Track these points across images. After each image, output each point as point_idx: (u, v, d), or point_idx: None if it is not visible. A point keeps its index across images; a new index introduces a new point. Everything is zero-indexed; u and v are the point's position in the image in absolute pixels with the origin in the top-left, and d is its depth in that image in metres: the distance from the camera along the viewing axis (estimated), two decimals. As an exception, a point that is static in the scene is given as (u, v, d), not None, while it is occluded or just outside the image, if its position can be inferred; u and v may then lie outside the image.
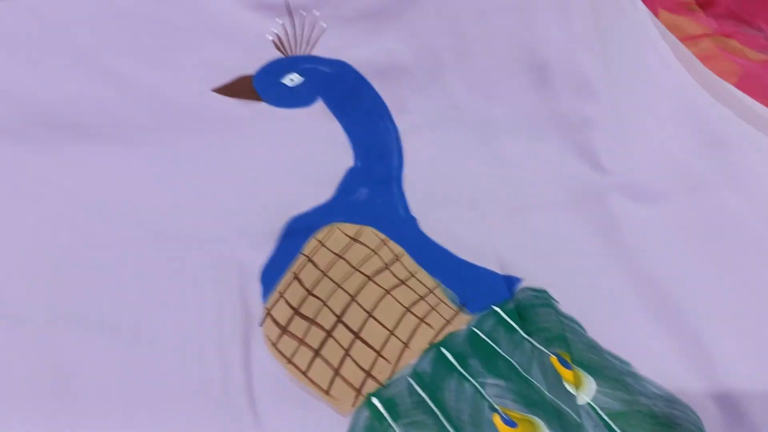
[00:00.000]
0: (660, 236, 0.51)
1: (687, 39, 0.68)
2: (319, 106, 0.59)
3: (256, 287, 0.47)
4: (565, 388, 0.41)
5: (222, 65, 0.58)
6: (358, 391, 0.41)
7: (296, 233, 0.50)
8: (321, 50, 0.60)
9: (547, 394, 0.41)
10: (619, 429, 0.39)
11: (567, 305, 0.45)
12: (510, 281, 0.47)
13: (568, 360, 0.42)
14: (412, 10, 0.61)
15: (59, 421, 0.40)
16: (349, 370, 0.42)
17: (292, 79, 0.59)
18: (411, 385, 0.41)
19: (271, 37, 0.60)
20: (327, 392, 0.41)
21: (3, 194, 0.50)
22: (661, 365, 0.42)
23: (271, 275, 0.48)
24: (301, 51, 0.61)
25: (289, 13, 0.60)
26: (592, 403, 0.41)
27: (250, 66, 0.59)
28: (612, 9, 0.62)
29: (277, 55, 0.60)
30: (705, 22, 0.70)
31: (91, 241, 0.48)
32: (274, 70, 0.60)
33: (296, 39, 0.61)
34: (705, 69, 0.62)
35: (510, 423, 0.40)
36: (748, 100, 0.59)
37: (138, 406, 0.41)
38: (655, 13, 0.69)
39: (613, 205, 0.52)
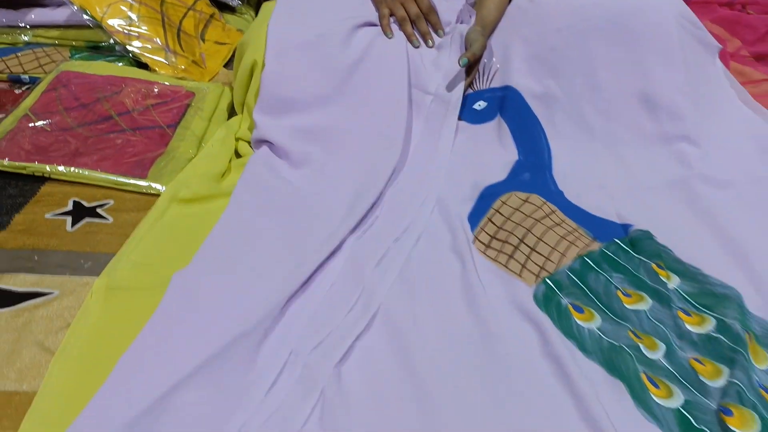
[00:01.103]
0: (726, 208, 0.78)
1: (750, 82, 0.97)
2: (497, 121, 0.92)
3: (467, 225, 0.78)
4: (660, 279, 0.69)
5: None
6: (537, 276, 0.71)
7: (487, 196, 0.82)
8: (494, 82, 0.93)
9: (649, 282, 0.69)
10: (692, 300, 0.67)
11: (663, 239, 0.74)
12: (626, 226, 0.77)
13: (663, 265, 0.71)
14: (557, 63, 0.92)
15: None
16: (531, 266, 0.72)
17: (480, 105, 0.93)
18: (568, 275, 0.71)
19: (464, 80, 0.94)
20: (519, 275, 0.71)
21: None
22: (721, 272, 0.70)
23: (474, 219, 0.79)
24: (483, 86, 0.94)
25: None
26: (677, 288, 0.69)
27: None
28: (699, 63, 0.92)
29: (468, 90, 0.94)
30: (764, 70, 0.98)
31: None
32: (467, 100, 0.94)
33: (480, 78, 0.94)
34: (760, 106, 0.90)
35: (626, 295, 0.69)
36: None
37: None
38: (728, 63, 0.98)
39: (696, 188, 0.81)
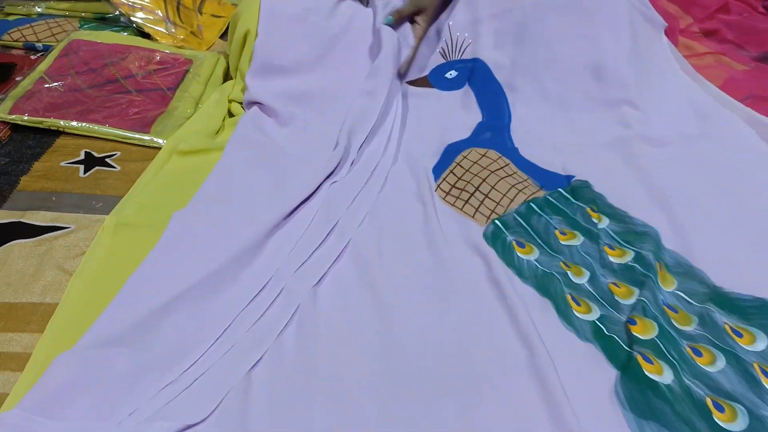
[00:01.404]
0: (658, 163, 0.89)
1: (695, 55, 1.07)
2: (465, 89, 1.02)
3: (431, 176, 0.89)
4: (592, 221, 0.80)
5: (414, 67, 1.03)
6: (488, 217, 0.82)
7: (450, 152, 0.93)
8: (466, 54, 1.04)
9: (583, 223, 0.80)
10: (617, 237, 0.78)
11: (599, 188, 0.85)
12: (569, 177, 0.87)
13: (596, 209, 0.82)
14: (520, 37, 1.02)
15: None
16: (483, 209, 0.83)
17: (451, 74, 1.03)
18: (515, 217, 0.82)
19: (439, 51, 1.04)
20: (473, 217, 0.82)
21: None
22: (645, 215, 0.81)
23: (438, 171, 0.90)
24: (455, 57, 1.04)
25: (450, 34, 1.04)
26: (606, 228, 0.80)
27: (428, 68, 1.04)
28: (645, 37, 1.02)
29: (441, 60, 1.05)
30: (708, 44, 1.09)
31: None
32: (440, 70, 1.04)
33: (452, 50, 1.05)
34: (700, 76, 1.00)
35: (562, 233, 0.80)
36: (722, 94, 0.97)
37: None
38: (677, 38, 1.08)
39: (634, 146, 0.91)
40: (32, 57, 1.11)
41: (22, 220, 0.80)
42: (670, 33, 1.09)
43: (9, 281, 0.72)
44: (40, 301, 0.71)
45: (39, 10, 1.19)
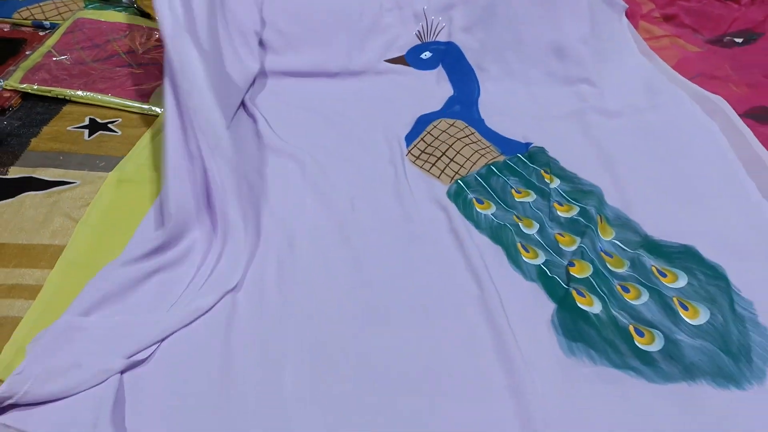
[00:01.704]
0: (614, 133, 0.98)
1: (653, 38, 1.16)
2: (439, 69, 1.12)
3: (403, 143, 0.99)
4: (545, 181, 0.89)
5: (392, 47, 1.12)
6: (452, 178, 0.91)
7: (422, 122, 1.02)
8: (440, 37, 1.13)
9: (537, 183, 0.90)
10: (566, 195, 0.88)
11: (554, 153, 0.94)
12: (527, 144, 0.97)
13: (549, 171, 0.91)
14: (489, 21, 1.12)
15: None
16: (448, 171, 0.92)
17: (426, 55, 1.12)
18: (476, 177, 0.91)
19: (415, 33, 1.13)
20: (438, 177, 0.92)
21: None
22: (592, 176, 0.90)
23: (409, 139, 0.99)
24: (430, 39, 1.14)
25: (425, 18, 1.13)
26: (557, 188, 0.89)
27: (405, 49, 1.13)
28: (604, 20, 1.11)
29: (417, 42, 1.14)
30: (666, 28, 1.18)
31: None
32: (416, 50, 1.13)
33: (428, 33, 1.14)
34: (655, 55, 1.10)
35: (518, 192, 0.89)
36: (673, 72, 1.06)
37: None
38: (637, 22, 1.17)
39: (588, 117, 1.01)
40: (41, 33, 1.20)
41: (33, 175, 0.89)
42: (630, 17, 1.18)
43: (22, 226, 0.81)
44: (49, 243, 0.80)
45: (46, -9, 1.28)
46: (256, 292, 0.73)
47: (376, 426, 0.60)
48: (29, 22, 1.22)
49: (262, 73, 1.07)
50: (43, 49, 1.10)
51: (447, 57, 1.12)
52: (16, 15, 1.22)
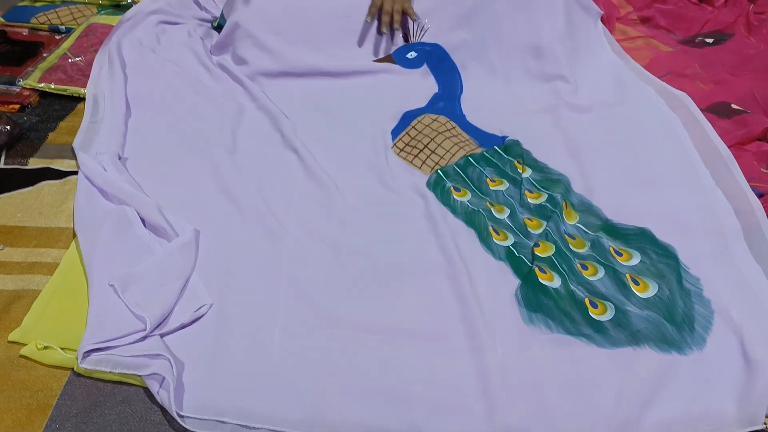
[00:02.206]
0: (584, 127, 1.06)
1: (628, 39, 1.23)
2: (424, 68, 1.20)
3: (389, 137, 1.07)
4: (518, 171, 0.97)
5: (379, 49, 1.20)
6: (432, 168, 0.99)
7: (408, 117, 1.10)
8: (426, 38, 1.21)
9: (510, 173, 0.97)
10: (536, 183, 0.95)
11: (528, 146, 1.02)
12: (503, 137, 1.04)
13: (522, 162, 0.99)
14: (472, 23, 1.19)
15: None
16: (430, 161, 1.00)
17: (412, 55, 1.20)
18: (454, 168, 0.98)
19: (401, 34, 1.21)
20: (419, 168, 0.99)
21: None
22: (561, 166, 0.97)
23: (395, 133, 1.07)
24: (416, 40, 1.22)
25: (412, 20, 1.21)
26: (528, 177, 0.97)
27: (391, 49, 1.21)
28: (579, 22, 1.19)
29: (403, 42, 1.22)
30: (641, 29, 1.25)
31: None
32: (402, 50, 1.21)
33: (414, 34, 1.22)
34: (627, 55, 1.17)
35: (492, 181, 0.97)
36: (643, 70, 1.13)
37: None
38: (613, 24, 1.24)
39: (561, 112, 1.08)
40: (57, 37, 1.29)
41: (51, 165, 0.98)
42: (607, 20, 1.25)
43: (41, 211, 0.90)
44: (65, 226, 0.88)
45: (62, -3, 1.38)
46: (250, 256, 0.83)
47: (350, 372, 0.69)
48: (46, 26, 1.32)
49: (265, 73, 1.15)
50: (59, 52, 1.19)
51: (432, 56, 1.20)
52: (33, 20, 1.32)
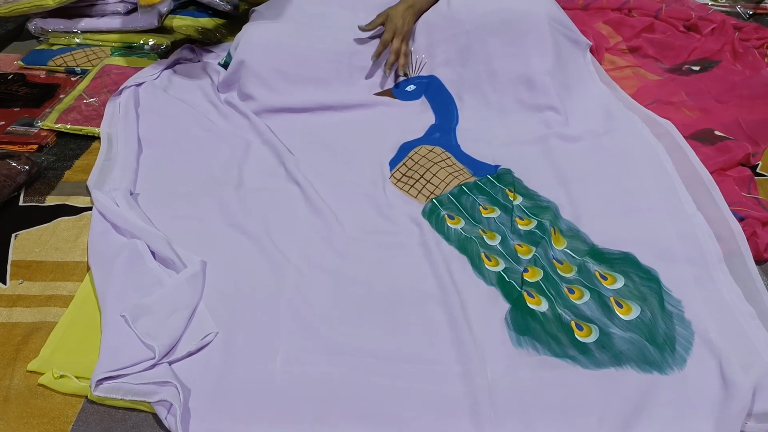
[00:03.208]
0: (573, 156, 1.10)
1: (617, 68, 1.28)
2: (422, 99, 1.25)
3: (387, 168, 1.12)
4: (509, 199, 1.01)
5: (379, 83, 1.26)
6: (428, 197, 1.04)
7: (405, 148, 1.15)
8: (423, 72, 1.26)
9: (501, 200, 1.02)
10: (527, 210, 0.99)
11: (519, 174, 1.06)
12: (496, 167, 1.09)
13: (513, 190, 1.03)
14: (466, 57, 1.25)
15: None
16: (425, 191, 1.05)
17: (411, 88, 1.26)
18: (449, 196, 1.03)
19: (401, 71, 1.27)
20: (416, 197, 1.04)
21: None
22: (550, 194, 1.02)
23: (393, 163, 1.12)
24: (414, 74, 1.27)
25: (411, 55, 1.27)
26: (519, 204, 1.01)
27: (390, 82, 1.27)
28: (567, 54, 1.24)
29: (402, 77, 1.28)
30: (629, 59, 1.30)
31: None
32: (402, 84, 1.27)
33: (412, 68, 1.27)
34: (615, 84, 1.22)
35: (485, 208, 1.01)
36: (630, 99, 1.18)
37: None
38: (602, 54, 1.29)
39: (552, 142, 1.13)
40: (72, 79, 1.36)
41: (67, 202, 1.04)
42: (596, 50, 1.30)
43: (57, 246, 0.96)
44: (80, 260, 0.94)
45: (78, 40, 1.45)
46: (253, 286, 0.87)
47: (348, 395, 0.73)
48: (63, 68, 1.39)
49: (269, 109, 1.22)
50: (75, 93, 1.26)
51: (429, 89, 1.25)
52: (51, 63, 1.39)
